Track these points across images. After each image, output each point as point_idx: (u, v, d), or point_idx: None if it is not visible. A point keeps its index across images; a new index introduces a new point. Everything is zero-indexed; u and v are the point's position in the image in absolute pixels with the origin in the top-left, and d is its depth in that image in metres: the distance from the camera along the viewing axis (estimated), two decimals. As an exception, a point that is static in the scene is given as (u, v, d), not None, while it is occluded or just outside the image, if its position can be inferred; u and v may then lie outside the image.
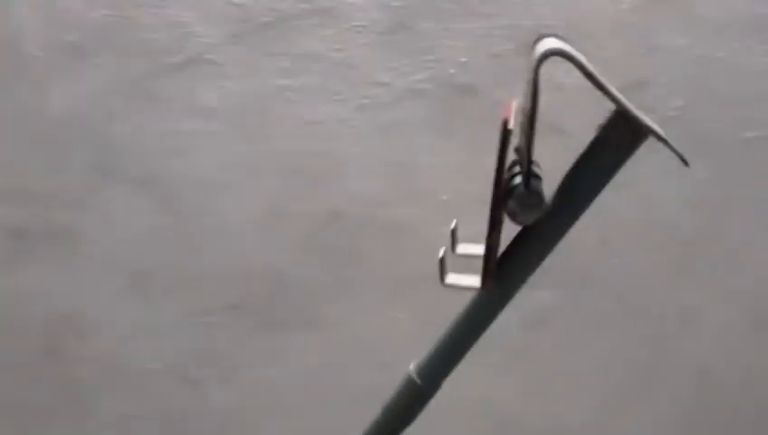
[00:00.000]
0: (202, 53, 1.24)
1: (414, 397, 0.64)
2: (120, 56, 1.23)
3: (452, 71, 1.25)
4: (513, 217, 0.51)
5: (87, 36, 1.22)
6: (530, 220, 0.51)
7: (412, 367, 0.64)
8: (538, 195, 0.50)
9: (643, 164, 1.12)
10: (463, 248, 0.61)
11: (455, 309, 0.63)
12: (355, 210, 1.29)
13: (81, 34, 1.22)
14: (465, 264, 0.60)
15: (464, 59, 1.21)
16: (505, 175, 0.50)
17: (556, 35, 0.50)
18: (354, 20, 1.25)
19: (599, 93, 0.50)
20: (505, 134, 0.48)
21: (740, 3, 1.31)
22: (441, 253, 0.57)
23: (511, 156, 0.52)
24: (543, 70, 0.46)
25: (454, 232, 0.60)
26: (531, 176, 0.50)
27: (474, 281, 0.56)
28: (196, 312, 1.32)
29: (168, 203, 1.31)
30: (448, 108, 1.23)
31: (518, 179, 0.50)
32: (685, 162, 0.48)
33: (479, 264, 0.56)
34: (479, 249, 0.56)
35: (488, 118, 1.13)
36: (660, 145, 0.54)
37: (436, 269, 0.58)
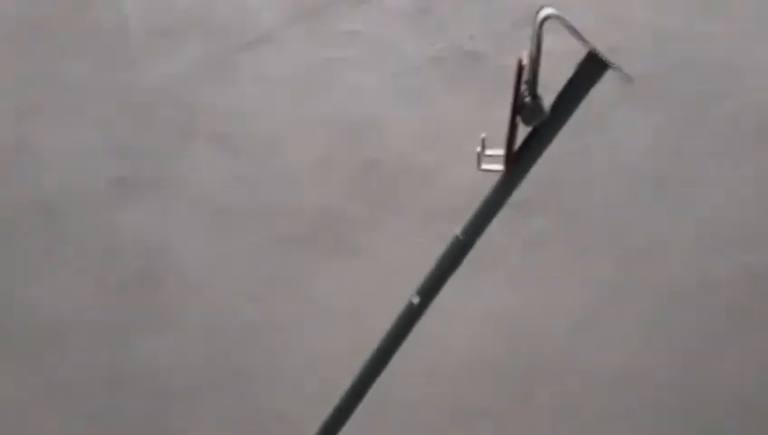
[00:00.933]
0: (266, 33, 1.47)
1: (459, 249, 0.93)
2: (202, 36, 1.47)
3: (464, 43, 1.50)
4: (525, 121, 0.78)
5: (176, 20, 1.46)
6: (535, 123, 0.79)
7: (458, 231, 0.93)
8: (540, 106, 0.77)
9: (616, 118, 1.43)
10: (489, 151, 0.90)
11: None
12: (389, 157, 1.55)
13: (171, 18, 1.46)
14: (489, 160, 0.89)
15: (473, 33, 1.46)
16: (522, 89, 0.78)
17: (551, 7, 0.78)
18: (386, 5, 1.49)
19: (577, 59, 0.78)
20: (520, 68, 0.76)
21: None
22: (478, 149, 0.85)
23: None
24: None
25: (483, 141, 0.88)
26: (535, 95, 0.77)
27: (499, 167, 0.84)
28: (264, 242, 1.58)
29: (241, 154, 1.56)
30: (462, 72, 1.46)
31: (527, 98, 0.78)
32: (630, 79, 0.76)
33: (500, 160, 0.85)
34: (500, 150, 0.84)
35: (493, 78, 1.41)
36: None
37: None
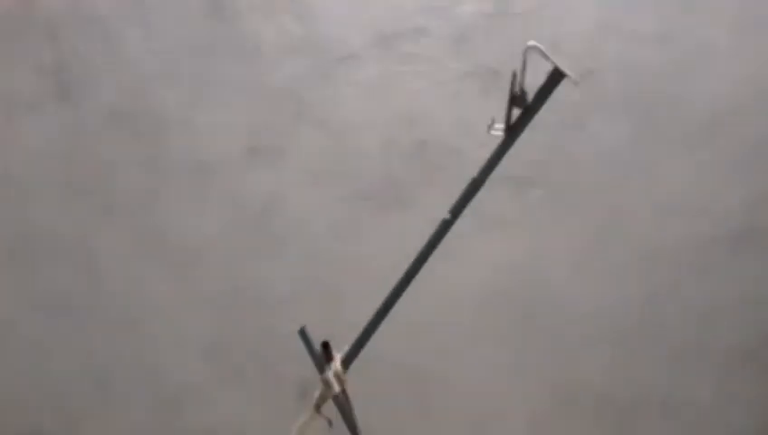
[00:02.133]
0: (354, 51, 1.92)
1: (474, 184, 1.40)
2: (311, 51, 1.92)
3: (489, 62, 1.91)
4: (516, 106, 1.30)
5: (293, 39, 1.91)
6: (522, 107, 1.29)
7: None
8: (525, 97, 1.28)
9: (595, 118, 1.87)
10: (497, 125, 1.41)
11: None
12: (434, 139, 1.96)
13: (290, 39, 1.92)
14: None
15: (497, 56, 1.87)
16: (516, 88, 1.29)
17: (536, 43, 1.28)
18: (436, 34, 1.91)
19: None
20: (514, 75, 1.28)
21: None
22: (488, 123, 1.37)
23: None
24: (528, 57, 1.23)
25: (493, 119, 1.38)
26: (523, 91, 1.29)
27: (501, 133, 1.37)
28: (347, 197, 1.99)
29: (333, 135, 1.96)
30: (487, 81, 1.88)
31: (518, 91, 1.30)
32: (577, 83, 1.27)
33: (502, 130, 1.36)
34: (501, 126, 1.36)
35: (506, 86, 1.81)
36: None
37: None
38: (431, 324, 2.15)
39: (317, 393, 1.65)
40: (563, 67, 1.26)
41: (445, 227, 1.45)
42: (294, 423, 1.72)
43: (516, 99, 1.29)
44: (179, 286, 2.09)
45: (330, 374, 1.58)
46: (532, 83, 1.28)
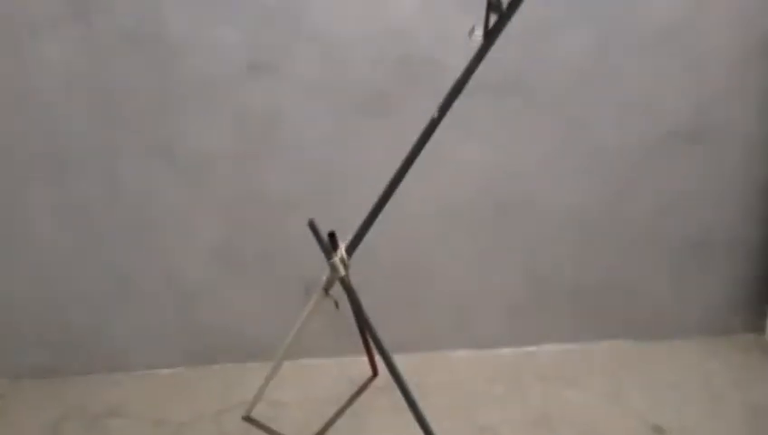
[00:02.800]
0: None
1: (433, 124, 1.57)
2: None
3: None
4: (493, 11, 1.48)
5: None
6: (498, 13, 1.49)
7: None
8: (501, 4, 1.47)
9: (563, 31, 1.97)
10: (475, 33, 1.58)
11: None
12: (418, 53, 2.06)
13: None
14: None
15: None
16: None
17: None
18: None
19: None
20: None
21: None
22: (468, 31, 1.54)
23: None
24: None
25: (473, 26, 1.54)
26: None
27: (480, 39, 1.55)
28: (339, 107, 2.11)
29: (329, 52, 2.05)
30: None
31: (494, 1, 1.48)
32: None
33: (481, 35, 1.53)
34: (481, 29, 1.54)
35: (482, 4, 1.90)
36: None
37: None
38: (416, 223, 2.30)
39: (324, 278, 1.87)
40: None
41: (432, 125, 1.62)
42: (303, 310, 1.94)
43: (493, 6, 1.47)
44: (190, 192, 2.21)
45: (336, 259, 1.80)
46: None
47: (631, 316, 2.47)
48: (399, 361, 1.82)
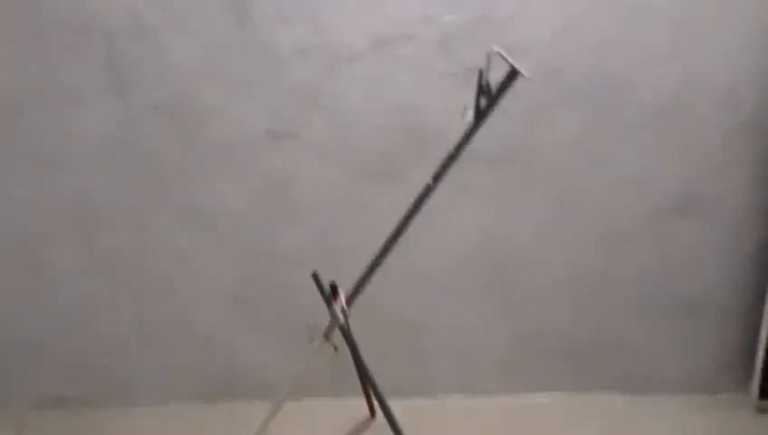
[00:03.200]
0: (357, 53, 2.15)
1: (451, 156, 1.76)
2: (321, 54, 2.14)
3: (469, 61, 2.12)
4: (484, 94, 1.66)
5: (307, 44, 2.12)
6: (487, 96, 1.67)
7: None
8: (490, 89, 1.65)
9: (557, 110, 2.15)
10: (467, 113, 1.77)
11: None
12: (426, 124, 2.21)
13: (305, 42, 2.12)
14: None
15: (474, 56, 2.01)
16: (482, 83, 1.66)
17: (497, 48, 1.63)
18: (423, 39, 2.14)
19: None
20: (480, 72, 1.65)
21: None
22: (461, 110, 1.72)
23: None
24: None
25: (465, 107, 1.72)
26: (488, 84, 1.66)
27: (471, 119, 1.73)
28: (350, 173, 2.26)
29: (339, 123, 2.22)
30: (466, 79, 2.05)
31: (484, 85, 1.67)
32: (528, 78, 1.62)
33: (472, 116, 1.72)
34: (471, 114, 1.73)
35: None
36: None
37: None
38: (419, 280, 2.44)
39: (326, 325, 2.04)
40: (519, 67, 1.62)
41: (427, 190, 1.80)
42: (305, 354, 2.10)
43: (483, 91, 1.67)
44: (210, 247, 2.38)
45: (337, 308, 1.96)
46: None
47: (621, 372, 2.56)
48: (397, 405, 1.94)
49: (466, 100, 1.71)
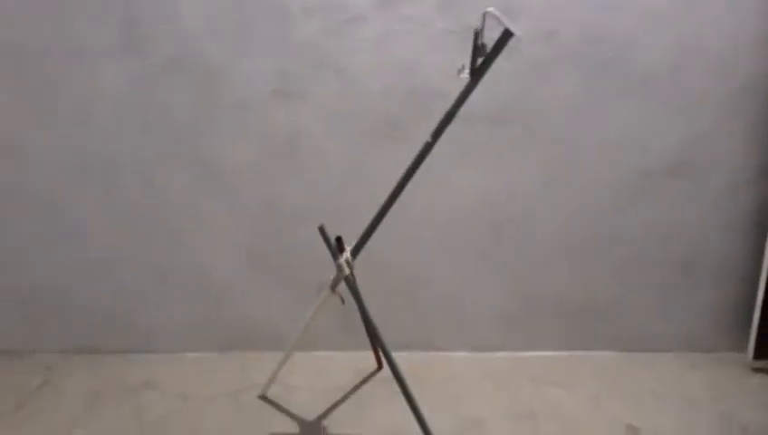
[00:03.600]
0: (360, 13, 2.18)
1: (427, 147, 1.81)
2: (326, 13, 2.19)
3: (469, 21, 2.11)
4: (479, 55, 1.72)
5: (312, 3, 2.19)
6: (482, 56, 1.71)
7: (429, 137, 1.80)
8: (485, 48, 1.68)
9: (554, 70, 2.18)
10: (464, 72, 1.82)
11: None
12: (424, 85, 2.25)
13: (311, 2, 2.29)
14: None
15: (474, 16, 1.89)
16: (478, 43, 1.72)
17: (492, 9, 1.66)
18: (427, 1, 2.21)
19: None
20: (476, 33, 1.70)
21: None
22: (458, 68, 1.77)
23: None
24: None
25: (463, 66, 1.77)
26: (483, 44, 1.70)
27: (467, 77, 1.79)
28: (355, 132, 2.32)
29: (347, 80, 2.27)
30: (466, 38, 1.93)
31: (480, 45, 1.73)
32: (519, 40, 1.68)
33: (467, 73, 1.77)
34: (467, 71, 1.78)
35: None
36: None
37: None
38: (420, 236, 2.51)
39: (332, 277, 2.13)
40: (512, 27, 1.66)
41: (426, 147, 1.85)
42: (313, 303, 2.20)
43: (478, 50, 1.71)
44: (221, 200, 2.48)
45: (342, 261, 2.05)
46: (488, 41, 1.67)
47: (617, 330, 2.63)
48: (401, 358, 2.04)
49: (464, 59, 1.76)
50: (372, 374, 2.54)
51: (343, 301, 2.14)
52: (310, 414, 2.30)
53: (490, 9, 1.66)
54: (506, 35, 1.68)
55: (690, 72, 2.29)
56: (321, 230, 2.04)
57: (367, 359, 2.54)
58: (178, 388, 2.44)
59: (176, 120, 2.38)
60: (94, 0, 2.26)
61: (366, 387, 2.46)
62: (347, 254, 2.06)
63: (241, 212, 2.50)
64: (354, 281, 2.08)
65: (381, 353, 2.04)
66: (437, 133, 1.85)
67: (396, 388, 1.99)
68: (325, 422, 2.25)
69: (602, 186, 2.44)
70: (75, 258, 2.57)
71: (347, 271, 2.06)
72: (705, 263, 2.54)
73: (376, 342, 2.05)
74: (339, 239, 2.07)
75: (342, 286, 2.11)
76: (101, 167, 2.45)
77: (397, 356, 2.02)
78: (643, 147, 2.38)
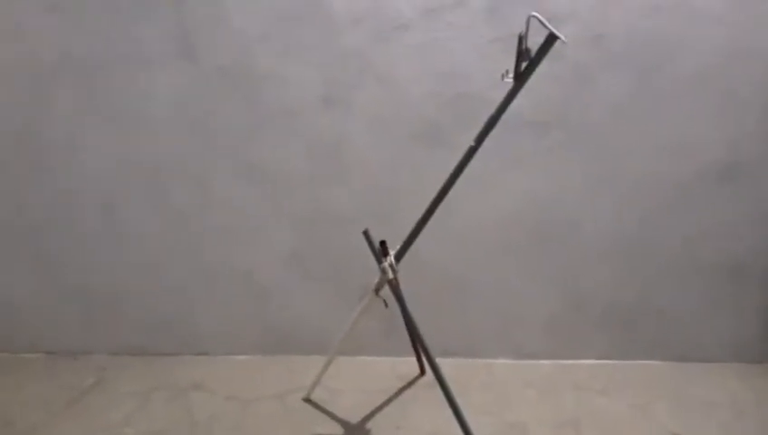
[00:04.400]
0: (407, 20, 2.21)
1: (494, 117, 1.82)
2: (373, 21, 2.22)
3: (514, 28, 2.06)
4: (524, 59, 1.73)
5: (361, 10, 2.22)
6: (526, 60, 1.72)
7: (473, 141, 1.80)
8: (529, 52, 1.69)
9: (602, 75, 2.17)
10: (509, 77, 1.83)
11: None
12: (471, 91, 2.26)
13: (360, 9, 2.25)
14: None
15: (519, 23, 2.10)
16: (522, 47, 1.73)
17: (536, 14, 1.68)
18: (471, 6, 2.19)
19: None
20: (520, 37, 1.72)
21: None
22: (502, 74, 1.79)
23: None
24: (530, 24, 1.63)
25: (507, 70, 1.80)
26: (528, 48, 1.71)
27: (511, 81, 1.80)
28: (398, 137, 2.35)
29: (390, 88, 2.29)
30: (511, 45, 2.13)
31: (524, 49, 1.73)
32: (565, 42, 1.69)
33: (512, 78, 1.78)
34: (512, 75, 1.78)
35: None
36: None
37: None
38: (464, 241, 2.51)
39: (376, 280, 2.15)
40: (556, 32, 1.66)
41: (470, 152, 1.85)
42: (357, 306, 2.22)
43: (522, 55, 1.71)
44: (269, 205, 2.53)
45: (386, 264, 2.07)
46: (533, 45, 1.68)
47: (663, 338, 2.59)
48: (445, 364, 2.05)
49: (509, 66, 1.76)
50: (415, 379, 2.54)
51: (387, 305, 2.16)
52: (353, 417, 2.31)
53: (534, 14, 1.66)
54: (551, 39, 1.68)
55: (738, 73, 2.26)
56: (366, 234, 2.06)
57: (410, 364, 2.56)
58: (226, 389, 2.49)
59: (225, 125, 2.44)
60: (149, 11, 2.34)
61: (409, 391, 2.47)
62: (390, 258, 2.08)
63: (288, 216, 2.54)
64: (398, 285, 2.09)
65: (424, 358, 2.04)
66: (482, 137, 1.85)
67: (439, 392, 1.99)
68: (368, 425, 2.26)
69: (649, 190, 2.41)
70: (127, 260, 2.65)
71: (390, 275, 2.07)
72: (756, 269, 2.48)
73: (419, 346, 2.06)
74: (383, 243, 2.09)
75: (386, 290, 2.12)
76: (154, 170, 2.53)
77: (439, 362, 2.02)
78: (691, 150, 2.35)
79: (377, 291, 2.17)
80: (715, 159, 2.36)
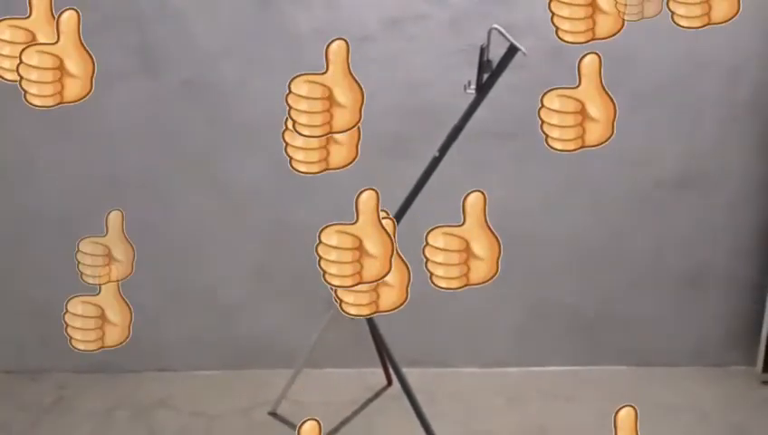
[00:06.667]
0: (371, 33, 2.24)
1: (457, 128, 1.85)
2: (336, 34, 2.34)
3: (476, 40, 2.27)
4: (485, 71, 1.76)
5: (327, 26, 2.28)
6: (488, 72, 1.75)
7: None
8: (491, 64, 1.74)
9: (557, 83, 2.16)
10: (471, 86, 1.85)
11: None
12: (433, 101, 2.29)
13: (329, 27, 2.34)
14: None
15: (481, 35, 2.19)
16: (484, 59, 1.75)
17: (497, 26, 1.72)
18: (434, 19, 2.22)
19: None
20: (482, 49, 1.74)
21: None
22: (465, 84, 1.81)
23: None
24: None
25: (469, 82, 1.83)
26: (489, 60, 1.75)
27: (473, 92, 1.82)
28: (371, 151, 2.42)
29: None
30: (473, 56, 2.16)
31: (485, 61, 1.76)
32: (525, 54, 1.72)
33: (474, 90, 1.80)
34: (474, 87, 1.81)
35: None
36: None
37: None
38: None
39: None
40: (517, 44, 1.69)
41: (434, 163, 1.88)
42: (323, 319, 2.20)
43: (484, 66, 1.74)
44: (233, 220, 2.50)
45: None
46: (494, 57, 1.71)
47: (627, 344, 2.63)
48: (412, 374, 2.04)
49: (472, 77, 1.78)
50: (382, 390, 2.53)
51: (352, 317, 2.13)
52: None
53: (496, 26, 1.68)
54: (512, 51, 1.71)
55: (698, 83, 2.32)
56: (331, 246, 2.03)
57: (377, 375, 2.53)
58: (191, 406, 2.44)
59: (188, 140, 2.42)
60: (110, 25, 2.31)
61: (376, 403, 2.46)
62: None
63: (251, 230, 2.52)
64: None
65: (391, 369, 2.04)
66: (445, 148, 1.87)
67: (406, 404, 1.98)
68: (336, 438, 2.25)
69: (612, 200, 2.45)
70: (87, 277, 2.58)
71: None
72: (716, 276, 2.54)
73: (386, 358, 2.05)
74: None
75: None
76: (114, 186, 2.48)
77: (406, 372, 2.01)
78: (652, 160, 2.40)
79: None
80: (677, 170, 2.42)
